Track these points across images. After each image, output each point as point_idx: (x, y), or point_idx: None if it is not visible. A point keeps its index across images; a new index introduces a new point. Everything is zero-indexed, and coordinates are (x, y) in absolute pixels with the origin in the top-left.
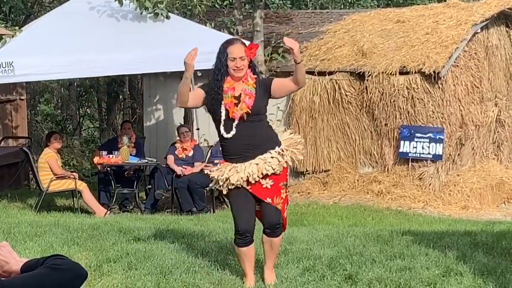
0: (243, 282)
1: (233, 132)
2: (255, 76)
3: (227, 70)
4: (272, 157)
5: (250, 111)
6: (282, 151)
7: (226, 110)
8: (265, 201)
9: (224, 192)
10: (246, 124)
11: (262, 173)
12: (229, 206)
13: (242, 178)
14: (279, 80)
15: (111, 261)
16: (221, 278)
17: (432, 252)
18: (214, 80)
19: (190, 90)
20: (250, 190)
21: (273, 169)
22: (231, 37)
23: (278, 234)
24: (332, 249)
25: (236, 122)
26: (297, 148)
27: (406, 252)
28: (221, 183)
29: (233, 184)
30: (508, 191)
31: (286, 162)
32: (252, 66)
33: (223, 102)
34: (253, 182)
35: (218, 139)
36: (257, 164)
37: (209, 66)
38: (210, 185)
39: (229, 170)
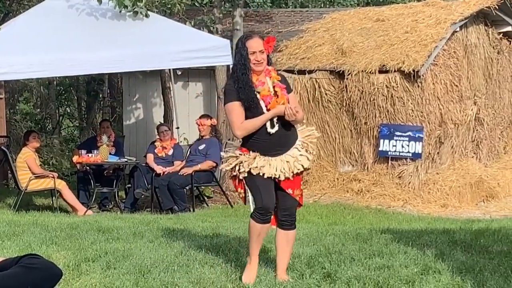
0: (242, 272)
1: (276, 128)
2: (273, 67)
3: (249, 64)
4: (301, 155)
5: (289, 103)
6: (303, 144)
7: (266, 102)
8: (286, 191)
9: (242, 176)
10: (284, 119)
11: (293, 172)
12: (247, 188)
13: (274, 174)
14: (293, 101)
15: (89, 260)
16: (200, 276)
17: (411, 250)
18: (241, 75)
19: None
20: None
21: (303, 168)
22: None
23: (294, 226)
24: (311, 247)
25: (277, 116)
26: (312, 142)
27: (385, 250)
28: (246, 169)
29: (263, 173)
30: (487, 189)
31: (311, 154)
32: (268, 59)
33: (259, 96)
34: (282, 179)
35: (196, 138)
36: (288, 161)
37: (188, 64)
38: (225, 166)
39: (261, 161)
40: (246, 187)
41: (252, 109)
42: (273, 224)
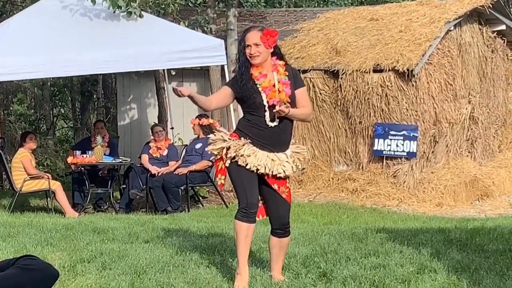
0: (233, 278)
1: (276, 122)
2: (283, 62)
3: (244, 57)
4: (287, 162)
5: (289, 100)
6: (292, 155)
7: (266, 94)
8: (272, 186)
9: (227, 164)
10: (287, 117)
11: (272, 172)
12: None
13: (258, 165)
14: (301, 95)
15: (85, 261)
16: (195, 277)
17: (406, 250)
18: (239, 68)
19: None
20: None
21: (285, 173)
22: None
23: (289, 233)
24: (307, 247)
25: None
26: (299, 159)
27: (380, 250)
28: (233, 154)
29: (246, 163)
30: (482, 188)
31: (296, 167)
32: (276, 52)
33: (260, 87)
34: (260, 173)
35: (192, 138)
36: (273, 160)
37: (183, 65)
38: (210, 147)
39: (248, 149)
40: (230, 182)
41: (246, 101)
42: (262, 214)
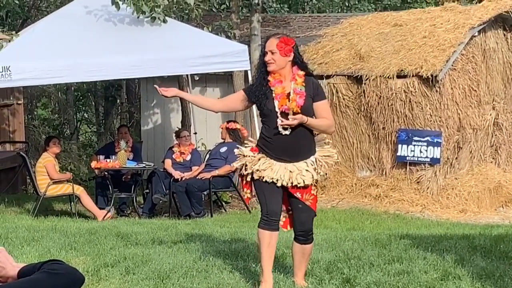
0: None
1: (288, 131)
2: (304, 73)
3: (261, 64)
4: (307, 170)
5: (299, 111)
6: (316, 161)
7: (278, 101)
8: (295, 195)
9: (248, 179)
10: (302, 126)
11: (292, 183)
12: (250, 196)
13: (273, 178)
14: (322, 107)
15: (108, 265)
16: (219, 282)
17: (430, 256)
18: (257, 73)
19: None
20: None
21: (304, 183)
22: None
23: (311, 240)
24: (330, 253)
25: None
26: (327, 163)
27: (404, 256)
28: (249, 171)
29: (262, 177)
30: (506, 194)
31: (318, 174)
32: (297, 62)
33: (273, 94)
34: (279, 185)
35: (215, 143)
36: (291, 171)
37: (206, 70)
38: (235, 164)
39: (264, 164)
40: (253, 192)
41: (259, 107)
42: (284, 228)
